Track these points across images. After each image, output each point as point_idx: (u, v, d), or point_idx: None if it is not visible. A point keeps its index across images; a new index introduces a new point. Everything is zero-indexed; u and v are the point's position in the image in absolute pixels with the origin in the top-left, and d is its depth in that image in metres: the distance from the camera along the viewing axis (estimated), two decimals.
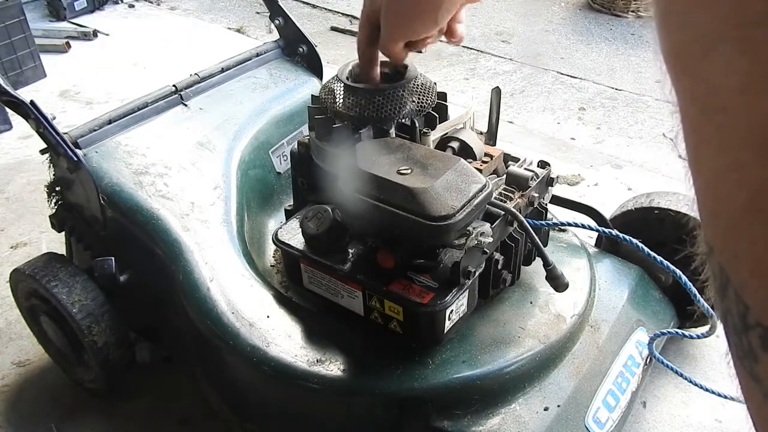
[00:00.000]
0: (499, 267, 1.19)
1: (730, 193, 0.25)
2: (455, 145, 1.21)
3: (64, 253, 1.56)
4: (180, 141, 1.47)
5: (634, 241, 1.17)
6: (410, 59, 1.09)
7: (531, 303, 1.24)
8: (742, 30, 0.22)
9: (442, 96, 1.21)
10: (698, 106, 0.26)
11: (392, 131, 1.17)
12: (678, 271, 1.17)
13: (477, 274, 1.08)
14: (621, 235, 1.18)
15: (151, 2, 3.96)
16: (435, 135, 1.20)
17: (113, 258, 1.35)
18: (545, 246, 1.31)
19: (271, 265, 1.37)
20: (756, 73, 0.22)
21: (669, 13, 0.26)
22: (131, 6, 3.87)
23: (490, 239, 1.02)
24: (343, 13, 3.86)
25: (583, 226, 1.26)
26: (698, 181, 0.27)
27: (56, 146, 1.31)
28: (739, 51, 0.22)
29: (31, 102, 1.28)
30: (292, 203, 1.37)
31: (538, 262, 1.20)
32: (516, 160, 1.26)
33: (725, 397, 1.35)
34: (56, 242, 1.89)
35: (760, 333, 0.24)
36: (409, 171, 0.99)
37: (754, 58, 0.22)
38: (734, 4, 0.22)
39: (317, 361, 1.11)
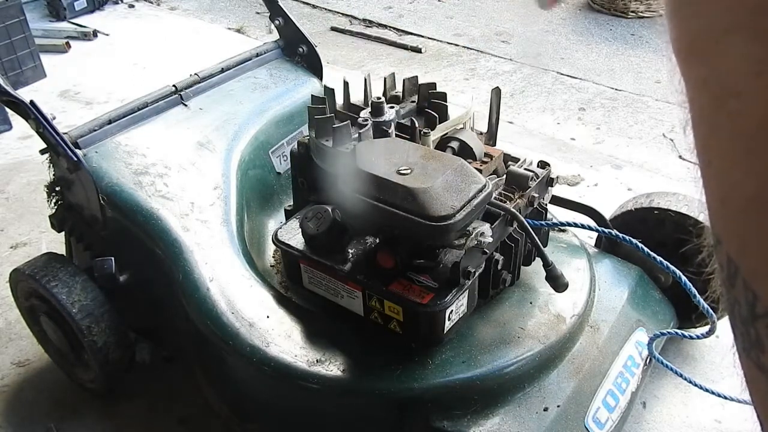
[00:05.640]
0: (499, 267, 1.19)
1: (741, 181, 0.24)
2: (455, 145, 1.21)
3: (64, 253, 1.56)
4: (180, 141, 1.47)
5: (634, 241, 1.17)
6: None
7: (531, 303, 1.24)
8: (755, 17, 0.22)
9: (442, 96, 1.21)
10: (710, 92, 0.25)
11: (392, 131, 1.17)
12: (678, 272, 1.17)
13: (477, 274, 1.08)
14: (621, 235, 1.18)
15: (151, 2, 3.96)
16: (435, 135, 1.20)
17: (113, 258, 1.35)
18: (545, 246, 1.31)
19: (271, 265, 1.37)
20: None
21: (680, 3, 0.26)
22: (131, 6, 3.87)
23: (490, 239, 1.02)
24: (343, 13, 3.86)
25: (583, 227, 1.26)
26: (707, 171, 0.27)
27: (56, 146, 1.31)
28: (752, 37, 0.22)
29: (31, 102, 1.28)
30: (292, 203, 1.37)
31: (537, 263, 1.20)
32: (516, 160, 1.26)
33: (725, 398, 1.35)
34: (56, 242, 1.89)
35: None
36: (409, 171, 0.99)
37: None
38: None
39: (317, 361, 1.11)
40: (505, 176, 1.20)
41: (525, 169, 1.20)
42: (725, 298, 0.28)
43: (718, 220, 0.27)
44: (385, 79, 1.35)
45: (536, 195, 1.20)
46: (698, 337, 1.30)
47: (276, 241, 1.19)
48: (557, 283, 1.15)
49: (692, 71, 0.26)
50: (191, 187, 1.39)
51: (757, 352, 0.26)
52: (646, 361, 1.33)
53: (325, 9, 3.94)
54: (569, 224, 1.23)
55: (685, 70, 0.27)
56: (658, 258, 1.17)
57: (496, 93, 1.27)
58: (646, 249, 1.16)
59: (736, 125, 0.24)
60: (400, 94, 1.35)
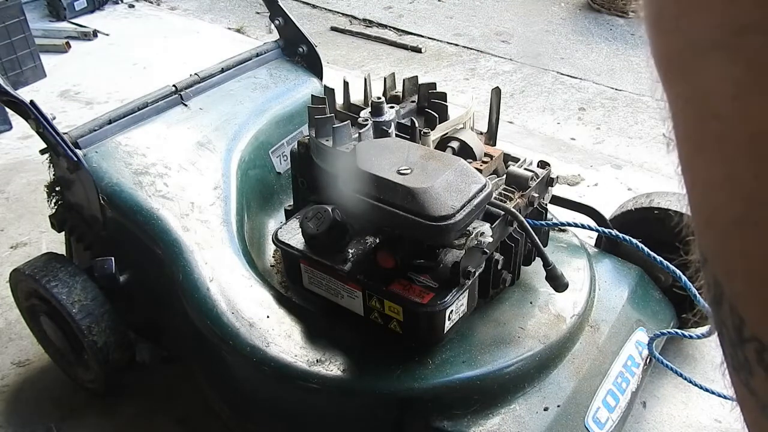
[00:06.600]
0: (499, 267, 1.19)
1: (724, 203, 0.24)
2: (455, 145, 1.21)
3: (64, 253, 1.56)
4: (180, 141, 1.47)
5: (634, 241, 1.17)
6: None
7: (531, 303, 1.24)
8: (736, 37, 0.21)
9: (442, 96, 1.21)
10: (691, 112, 0.25)
11: (392, 131, 1.17)
12: (678, 272, 1.17)
13: (477, 274, 1.08)
14: (621, 235, 1.18)
15: (151, 2, 3.96)
16: (435, 135, 1.20)
17: (113, 258, 1.35)
18: (545, 246, 1.31)
19: (271, 265, 1.37)
20: (750, 80, 0.21)
21: (661, 18, 0.25)
22: (131, 6, 3.86)
23: (490, 239, 1.02)
24: (343, 13, 3.86)
25: (583, 226, 1.26)
26: (692, 191, 0.27)
27: (56, 146, 1.31)
28: (732, 58, 0.22)
29: (31, 102, 1.28)
30: (292, 203, 1.37)
31: (538, 262, 1.20)
32: (516, 160, 1.26)
33: (725, 398, 1.35)
34: (56, 242, 1.89)
35: (756, 347, 0.24)
36: (409, 171, 0.99)
37: (748, 66, 0.21)
38: (728, 11, 0.21)
39: (317, 361, 1.11)
40: (505, 176, 1.20)
41: (525, 169, 1.20)
42: (713, 318, 0.27)
43: (704, 240, 0.26)
44: (385, 79, 1.35)
45: (536, 195, 1.20)
46: (698, 337, 1.30)
47: (276, 241, 1.19)
48: (557, 283, 1.15)
49: (674, 88, 0.25)
50: (191, 187, 1.39)
51: (746, 374, 0.25)
52: (646, 360, 1.33)
53: (325, 9, 3.94)
54: (569, 224, 1.23)
55: (666, 87, 0.26)
56: (658, 258, 1.17)
57: (496, 93, 1.27)
58: (646, 249, 1.16)
59: (716, 147, 0.23)
60: (400, 94, 1.35)
